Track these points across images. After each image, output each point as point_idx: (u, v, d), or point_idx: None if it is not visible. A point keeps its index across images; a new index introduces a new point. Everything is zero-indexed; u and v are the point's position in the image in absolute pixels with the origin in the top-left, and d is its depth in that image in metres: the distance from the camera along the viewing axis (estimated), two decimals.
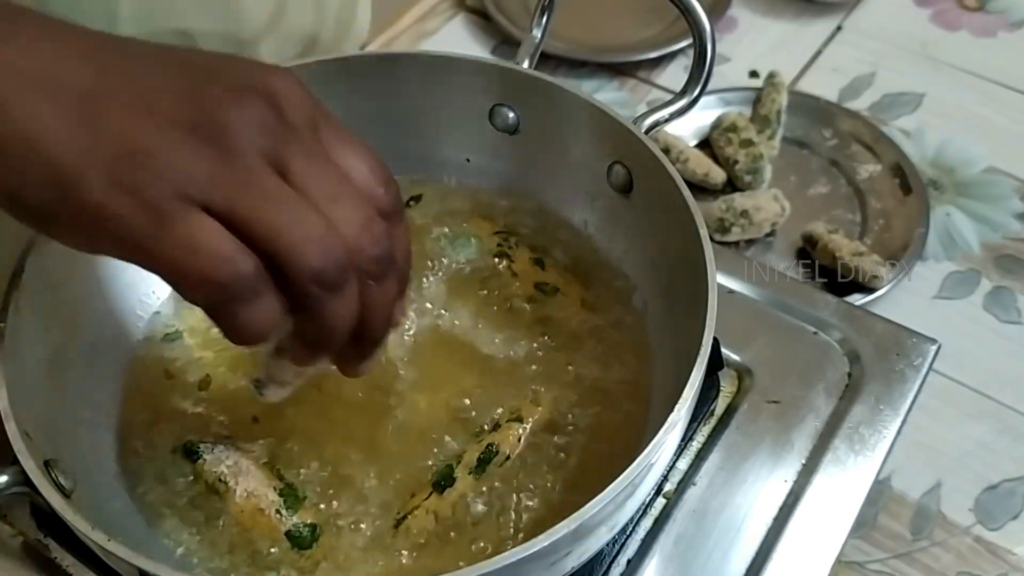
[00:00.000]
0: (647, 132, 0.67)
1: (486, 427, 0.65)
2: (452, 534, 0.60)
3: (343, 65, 0.74)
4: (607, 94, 1.21)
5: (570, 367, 0.68)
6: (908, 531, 0.84)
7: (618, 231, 0.73)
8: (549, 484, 0.62)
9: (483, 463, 0.62)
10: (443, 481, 0.62)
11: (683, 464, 0.71)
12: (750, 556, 0.66)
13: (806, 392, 0.74)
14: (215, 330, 0.45)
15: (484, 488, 0.62)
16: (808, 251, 1.03)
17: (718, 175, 1.09)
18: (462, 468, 0.62)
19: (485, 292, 0.72)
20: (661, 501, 0.69)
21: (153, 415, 0.67)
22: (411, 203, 0.78)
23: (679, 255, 0.63)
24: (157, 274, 0.43)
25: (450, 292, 0.72)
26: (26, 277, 0.60)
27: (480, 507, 0.61)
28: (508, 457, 0.63)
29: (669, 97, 0.69)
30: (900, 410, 0.73)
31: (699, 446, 0.72)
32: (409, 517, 0.61)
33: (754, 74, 1.23)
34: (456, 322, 0.70)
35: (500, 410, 0.66)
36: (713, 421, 0.73)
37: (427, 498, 0.61)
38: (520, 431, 0.64)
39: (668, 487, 0.69)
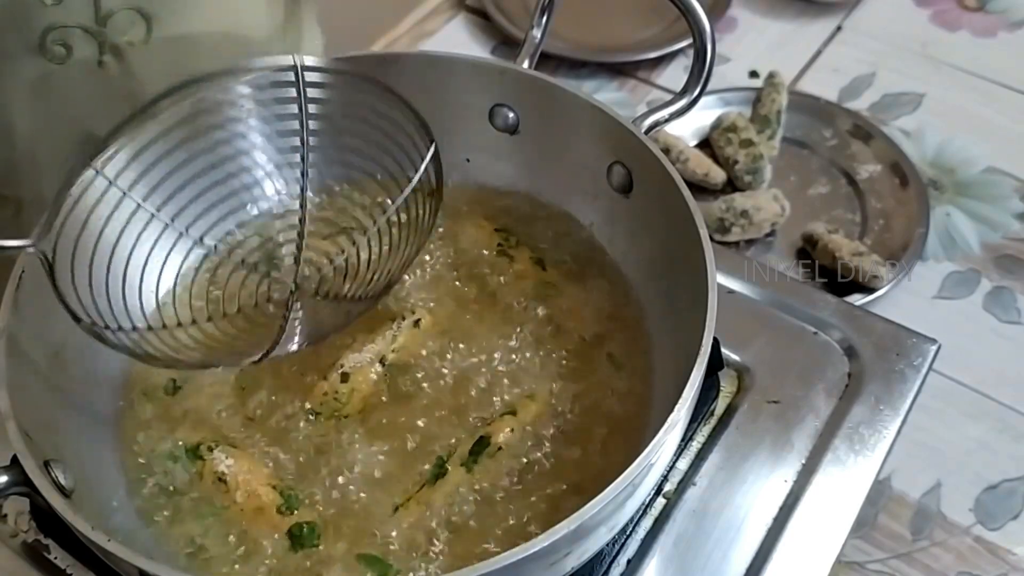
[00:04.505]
0: (647, 132, 0.67)
1: (482, 421, 0.65)
2: (450, 532, 0.60)
3: (344, 65, 0.74)
4: (607, 94, 1.21)
5: (570, 366, 0.68)
6: (908, 531, 0.84)
7: (618, 231, 0.73)
8: (546, 483, 0.62)
9: (475, 455, 0.62)
10: (435, 473, 0.62)
11: (683, 464, 0.71)
12: (750, 556, 0.66)
13: (806, 392, 0.74)
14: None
15: (476, 481, 0.62)
16: (808, 251, 1.03)
17: (718, 175, 1.09)
18: (454, 460, 0.62)
19: (486, 292, 0.72)
20: (661, 501, 0.69)
21: (153, 415, 0.67)
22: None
23: (679, 255, 0.63)
24: None
25: (451, 292, 0.72)
26: (26, 277, 0.60)
27: (473, 500, 0.61)
28: (500, 448, 0.63)
29: (669, 97, 0.69)
30: (900, 410, 0.73)
31: (699, 446, 0.72)
32: (401, 509, 0.61)
33: (754, 74, 1.23)
34: (457, 321, 0.70)
35: (496, 406, 0.66)
36: (713, 421, 0.73)
37: (419, 490, 0.61)
38: (513, 424, 0.64)
39: (668, 487, 0.69)
